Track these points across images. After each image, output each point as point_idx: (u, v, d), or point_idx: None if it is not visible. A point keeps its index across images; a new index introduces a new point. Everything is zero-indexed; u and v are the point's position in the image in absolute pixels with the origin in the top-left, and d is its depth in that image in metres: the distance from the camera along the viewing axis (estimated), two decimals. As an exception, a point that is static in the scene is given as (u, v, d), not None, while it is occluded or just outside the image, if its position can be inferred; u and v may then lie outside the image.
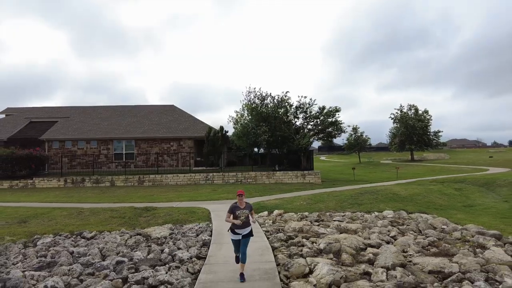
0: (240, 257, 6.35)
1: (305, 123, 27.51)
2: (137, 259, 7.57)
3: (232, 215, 6.35)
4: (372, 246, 7.96)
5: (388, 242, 8.25)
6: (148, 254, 8.02)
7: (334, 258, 7.19)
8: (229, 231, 6.48)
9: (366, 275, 6.24)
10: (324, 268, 6.25)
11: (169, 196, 18.36)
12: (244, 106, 27.51)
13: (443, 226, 9.90)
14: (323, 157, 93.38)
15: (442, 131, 50.78)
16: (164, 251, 8.20)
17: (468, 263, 6.37)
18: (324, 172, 35.72)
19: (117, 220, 12.73)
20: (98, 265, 7.16)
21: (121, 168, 26.82)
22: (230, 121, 29.97)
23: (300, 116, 27.44)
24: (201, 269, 6.83)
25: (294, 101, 28.74)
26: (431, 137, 49.26)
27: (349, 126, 33.04)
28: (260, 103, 26.68)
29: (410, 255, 7.29)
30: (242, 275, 6.19)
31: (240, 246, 6.33)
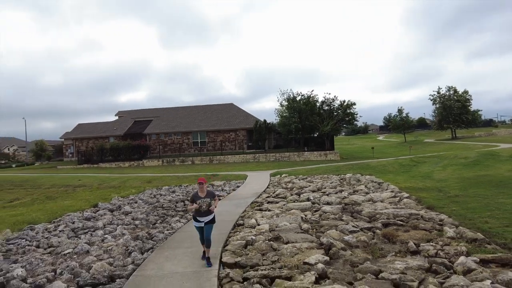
0: (205, 243, 6.43)
1: (330, 114, 35.60)
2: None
3: (193, 204, 6.48)
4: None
5: (321, 184, 17.03)
6: (213, 189, 18.10)
7: (289, 189, 16.35)
8: (192, 219, 6.67)
9: (298, 194, 15.27)
10: (278, 190, 15.53)
11: (228, 168, 28.68)
12: (282, 101, 36.67)
13: (366, 179, 18.18)
14: (381, 137, 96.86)
15: (481, 110, 53.63)
16: (219, 187, 18.18)
17: (339, 188, 15.07)
18: (356, 152, 43.26)
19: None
20: (194, 191, 17.38)
21: (198, 152, 38.23)
22: (276, 113, 39.48)
23: (325, 108, 35.60)
24: (236, 189, 16.55)
25: (320, 97, 36.64)
26: (469, 116, 52.34)
27: (361, 116, 40.12)
28: (293, 100, 35.47)
29: (324, 188, 16.07)
30: (208, 259, 6.34)
31: (204, 233, 6.46)
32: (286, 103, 36.29)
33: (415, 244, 7.09)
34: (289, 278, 5.56)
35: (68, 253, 7.66)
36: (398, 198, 12.48)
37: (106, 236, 9.01)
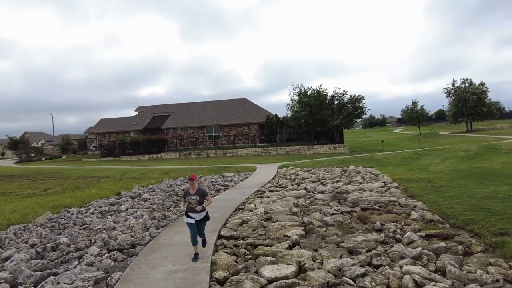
0: (201, 243, 6.52)
1: (340, 108, 36.62)
2: (218, 180, 19.37)
3: (183, 201, 6.44)
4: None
5: (322, 176, 18.42)
6: (223, 180, 19.80)
7: (292, 180, 17.83)
8: (184, 214, 6.56)
9: (298, 184, 16.75)
10: (282, 180, 17.05)
11: (240, 161, 30.36)
12: (293, 96, 37.97)
13: (365, 171, 19.43)
14: (398, 130, 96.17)
15: (497, 102, 53.24)
16: (229, 178, 19.87)
17: (337, 179, 16.43)
18: (368, 145, 44.09)
19: (211, 171, 24.98)
20: (206, 181, 19.14)
21: (212, 145, 40.10)
22: (288, 107, 40.83)
23: (336, 102, 36.64)
24: (244, 180, 18.20)
25: (330, 91, 37.72)
26: (485, 109, 51.93)
27: (369, 109, 40.89)
28: (303, 94, 36.69)
29: (324, 179, 17.47)
30: (196, 255, 6.36)
31: (197, 231, 6.39)
32: (297, 98, 37.57)
33: (381, 224, 8.49)
34: (269, 246, 7.13)
35: (99, 228, 9.48)
36: (386, 187, 13.77)
37: (128, 217, 10.83)
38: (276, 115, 37.69)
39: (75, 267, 6.48)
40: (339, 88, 36.53)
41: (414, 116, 60.59)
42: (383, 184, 14.52)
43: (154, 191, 16.91)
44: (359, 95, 35.20)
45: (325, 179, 17.40)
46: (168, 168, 28.33)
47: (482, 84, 53.19)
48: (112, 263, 6.64)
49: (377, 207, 10.40)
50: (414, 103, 61.59)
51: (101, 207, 12.94)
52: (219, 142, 40.73)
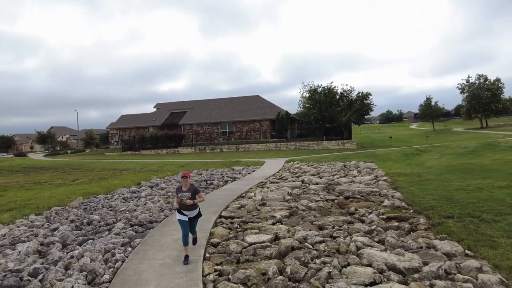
0: (192, 241, 6.57)
1: (349, 105, 37.82)
2: (227, 173, 21.24)
3: (176, 197, 6.48)
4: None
5: (323, 170, 19.98)
6: (232, 172, 21.67)
7: (293, 173, 19.48)
8: (176, 211, 6.58)
9: (298, 177, 18.39)
10: (284, 173, 18.75)
11: (251, 155, 32.19)
12: (304, 93, 39.41)
13: (364, 165, 20.84)
14: (414, 125, 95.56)
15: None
16: (238, 171, 21.71)
17: (335, 173, 17.98)
18: (378, 141, 45.03)
19: (223, 165, 26.92)
20: (217, 174, 21.06)
21: (225, 141, 42.07)
22: (299, 104, 42.33)
23: (345, 99, 37.85)
24: (251, 173, 20.00)
25: (339, 88, 38.95)
26: (499, 105, 51.71)
27: (376, 105, 41.88)
28: (314, 92, 38.07)
29: (324, 172, 19.04)
30: (186, 257, 6.19)
31: (189, 229, 6.44)
32: (308, 95, 38.99)
33: (355, 209, 10.09)
34: (257, 223, 8.89)
35: (123, 210, 11.50)
36: (376, 180, 15.24)
37: (147, 202, 12.83)
38: (286, 112, 39.28)
39: (106, 235, 8.44)
40: (347, 85, 37.90)
41: (427, 112, 60.69)
42: (375, 177, 15.99)
43: (170, 181, 18.95)
44: (366, 92, 36.37)
45: (324, 172, 18.96)
46: (184, 162, 30.49)
47: (498, 80, 52.91)
48: (134, 234, 8.57)
49: (358, 196, 11.97)
50: (428, 99, 61.61)
51: (124, 194, 15.03)
52: (232, 137, 42.69)
